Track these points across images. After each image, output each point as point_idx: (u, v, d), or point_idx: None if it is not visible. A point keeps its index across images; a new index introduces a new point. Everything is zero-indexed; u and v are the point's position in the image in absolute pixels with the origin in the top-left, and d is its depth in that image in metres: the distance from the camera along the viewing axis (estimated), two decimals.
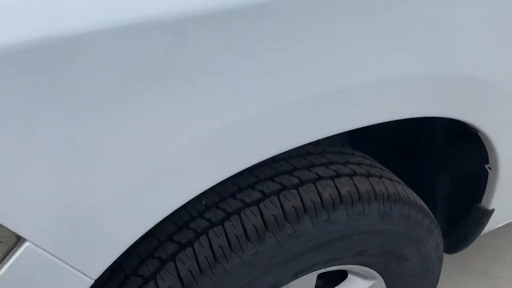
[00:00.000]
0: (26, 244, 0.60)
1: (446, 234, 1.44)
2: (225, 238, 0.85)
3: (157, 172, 0.66)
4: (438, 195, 1.38)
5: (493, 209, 1.26)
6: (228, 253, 0.84)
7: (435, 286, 1.28)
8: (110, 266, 0.96)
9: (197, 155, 0.68)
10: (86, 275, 0.67)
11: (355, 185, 0.95)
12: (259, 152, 0.75)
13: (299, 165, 0.98)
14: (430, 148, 1.34)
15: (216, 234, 0.86)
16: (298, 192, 0.90)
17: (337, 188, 0.93)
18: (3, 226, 0.58)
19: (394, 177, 1.08)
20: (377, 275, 1.14)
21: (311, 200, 0.90)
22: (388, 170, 1.14)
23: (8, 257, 0.61)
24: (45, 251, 0.62)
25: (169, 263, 0.85)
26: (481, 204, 1.26)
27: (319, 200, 0.90)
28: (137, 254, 0.91)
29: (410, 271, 1.14)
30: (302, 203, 0.89)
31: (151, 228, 0.94)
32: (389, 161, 1.53)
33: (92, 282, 0.68)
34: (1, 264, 0.61)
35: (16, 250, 0.61)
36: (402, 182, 1.10)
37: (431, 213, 1.12)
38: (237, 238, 0.85)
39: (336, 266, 1.03)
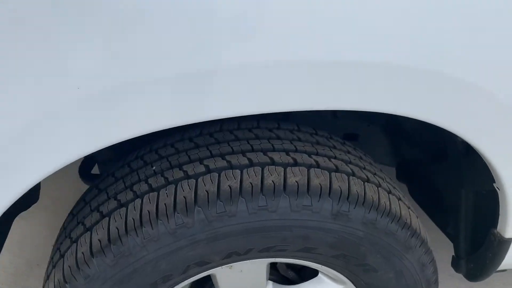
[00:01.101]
0: None
1: (469, 258, 1.27)
2: (155, 204, 0.86)
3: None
4: (460, 212, 1.21)
5: (511, 239, 1.07)
6: (154, 219, 0.85)
7: None
8: (71, 211, 1.04)
9: None
10: None
11: (308, 176, 0.88)
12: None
13: (258, 148, 0.94)
14: (452, 159, 1.18)
15: (149, 199, 0.87)
16: (241, 173, 0.87)
17: (285, 176, 0.88)
18: None
19: (374, 179, 0.97)
20: (346, 280, 1.05)
21: (250, 183, 0.86)
22: (377, 170, 1.04)
23: None
24: None
25: (105, 218, 0.90)
26: (497, 230, 1.08)
27: (260, 184, 0.86)
28: (89, 205, 0.97)
29: (383, 285, 1.03)
30: (240, 184, 0.86)
31: (104, 184, 1.00)
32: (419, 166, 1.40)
33: None
34: None
35: None
36: (388, 186, 0.99)
37: (415, 227, 0.99)
38: (165, 206, 0.85)
39: (286, 259, 0.97)
